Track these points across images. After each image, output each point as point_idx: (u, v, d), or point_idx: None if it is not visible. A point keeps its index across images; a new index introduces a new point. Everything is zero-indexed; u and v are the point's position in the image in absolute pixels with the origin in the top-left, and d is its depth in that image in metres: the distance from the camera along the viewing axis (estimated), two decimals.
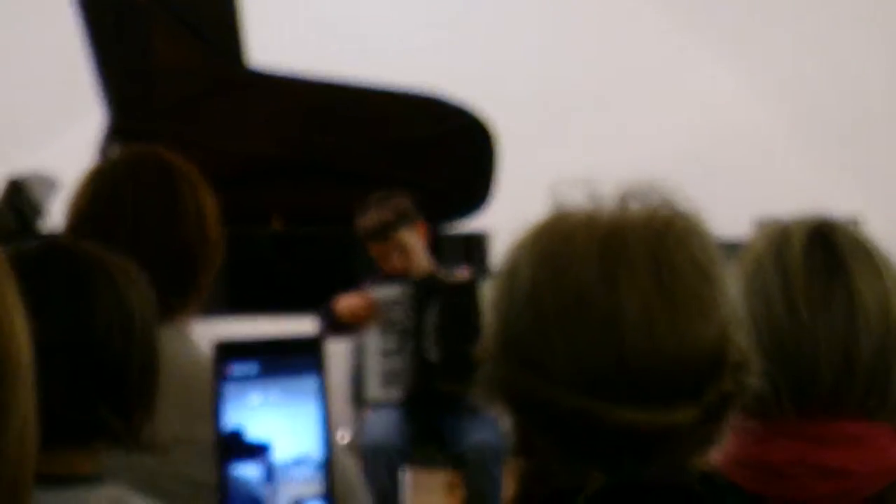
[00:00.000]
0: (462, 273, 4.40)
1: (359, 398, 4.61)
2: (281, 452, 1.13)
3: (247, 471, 1.12)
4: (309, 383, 1.15)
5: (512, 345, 1.13)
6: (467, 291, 4.15)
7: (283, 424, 1.14)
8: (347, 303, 4.33)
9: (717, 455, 1.34)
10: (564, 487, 1.09)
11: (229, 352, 1.15)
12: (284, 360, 1.15)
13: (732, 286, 1.14)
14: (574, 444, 1.09)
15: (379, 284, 4.39)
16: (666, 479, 1.09)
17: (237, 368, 1.14)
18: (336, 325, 4.37)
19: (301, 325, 4.81)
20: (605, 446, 1.08)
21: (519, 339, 1.12)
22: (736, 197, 5.34)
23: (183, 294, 1.77)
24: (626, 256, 1.10)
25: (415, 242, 4.34)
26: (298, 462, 1.14)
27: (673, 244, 1.11)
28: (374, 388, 4.36)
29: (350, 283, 4.44)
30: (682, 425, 1.07)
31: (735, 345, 1.12)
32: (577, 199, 1.17)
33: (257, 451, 1.13)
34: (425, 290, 4.31)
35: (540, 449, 1.13)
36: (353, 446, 4.34)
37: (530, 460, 1.15)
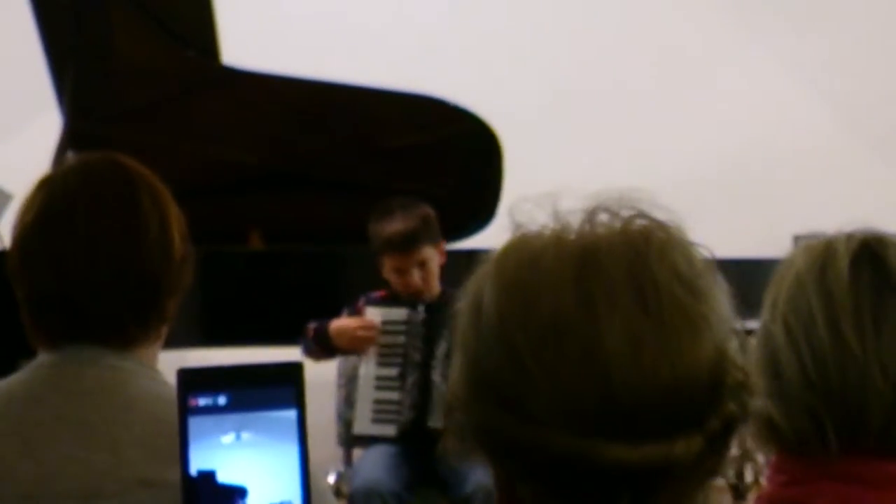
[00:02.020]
0: None
1: (347, 433, 4.59)
2: (256, 499, 1.13)
3: None
4: (287, 418, 1.15)
5: (484, 386, 1.11)
6: None
7: (258, 466, 1.13)
8: (348, 326, 4.31)
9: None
10: None
11: (195, 381, 1.14)
12: (259, 391, 1.14)
13: (723, 298, 1.13)
14: (566, 492, 1.08)
15: (379, 304, 4.37)
16: None
17: (204, 400, 1.13)
18: (328, 349, 4.36)
19: (283, 358, 4.79)
20: (600, 491, 1.07)
21: (492, 379, 1.11)
22: (778, 210, 5.36)
23: (144, 322, 1.76)
24: (602, 277, 1.09)
25: (436, 262, 4.33)
26: None
27: (654, 259, 1.10)
28: (365, 423, 4.34)
29: (338, 309, 4.42)
30: (684, 459, 1.06)
31: (733, 363, 1.11)
32: (539, 218, 1.16)
33: (230, 497, 1.12)
34: (438, 315, 4.29)
35: (528, 501, 1.12)
36: (341, 489, 4.32)
37: None
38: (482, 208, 5.14)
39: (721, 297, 1.13)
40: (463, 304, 1.17)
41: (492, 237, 4.90)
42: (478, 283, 1.16)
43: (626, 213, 1.14)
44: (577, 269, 1.10)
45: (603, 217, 1.14)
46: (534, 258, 1.12)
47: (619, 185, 1.17)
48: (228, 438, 1.13)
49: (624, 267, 1.10)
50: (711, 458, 1.09)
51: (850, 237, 1.54)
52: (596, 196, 1.16)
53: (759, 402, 1.13)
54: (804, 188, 6.04)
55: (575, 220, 1.14)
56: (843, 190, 5.85)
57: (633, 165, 5.71)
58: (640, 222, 1.14)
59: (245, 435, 1.13)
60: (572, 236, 1.13)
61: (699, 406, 1.08)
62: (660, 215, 1.14)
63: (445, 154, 5.16)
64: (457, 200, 5.11)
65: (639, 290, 1.09)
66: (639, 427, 1.06)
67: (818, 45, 6.40)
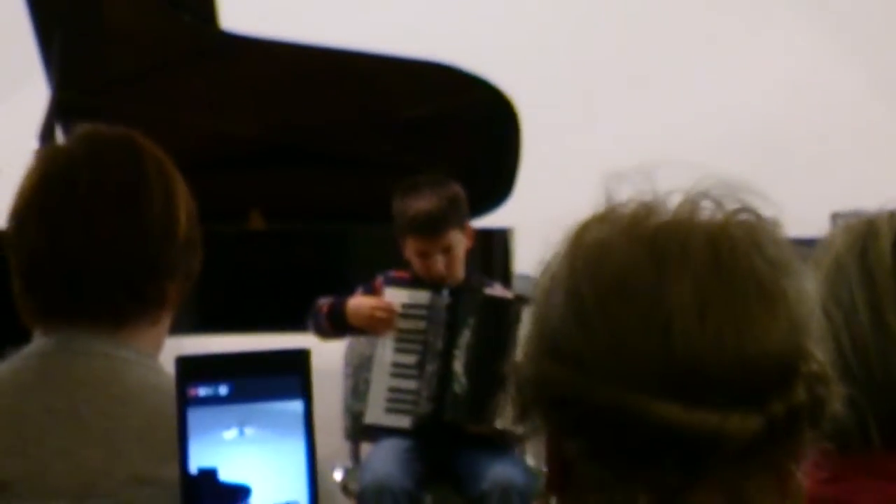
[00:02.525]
0: (498, 289, 4.37)
1: (354, 427, 4.58)
2: (259, 497, 1.12)
3: None
4: (293, 410, 1.14)
5: (547, 340, 1.14)
6: (514, 313, 4.09)
7: (262, 463, 1.13)
8: (368, 304, 4.29)
9: None
10: None
11: (195, 369, 1.14)
12: (263, 380, 1.14)
13: (809, 285, 1.14)
14: (610, 449, 1.10)
15: (400, 285, 4.35)
16: None
17: (204, 390, 1.12)
18: (341, 327, 4.35)
19: (284, 345, 4.79)
20: (645, 452, 1.08)
21: (554, 333, 1.13)
22: (815, 187, 5.35)
23: (138, 300, 1.77)
24: (679, 236, 1.12)
25: (462, 247, 4.30)
26: None
27: (738, 232, 1.13)
28: (378, 412, 4.32)
29: (346, 292, 4.40)
30: (737, 435, 1.07)
31: (812, 352, 1.12)
32: (631, 194, 1.17)
33: (233, 497, 1.12)
34: (463, 302, 4.28)
35: (575, 468, 1.13)
36: (349, 486, 4.32)
37: (566, 494, 1.15)
38: (498, 184, 5.13)
39: (808, 283, 1.14)
40: (541, 278, 1.19)
41: (508, 216, 4.92)
42: (556, 248, 1.18)
43: (730, 204, 1.15)
44: (655, 230, 1.13)
45: (704, 203, 1.16)
46: (614, 229, 1.15)
47: (642, 160, 1.18)
48: (231, 434, 1.12)
49: (704, 240, 1.12)
50: (770, 446, 1.09)
51: (892, 216, 1.54)
52: (703, 180, 1.17)
53: (837, 405, 1.13)
54: (842, 164, 6.02)
55: (664, 205, 1.16)
56: (883, 166, 5.83)
57: (661, 141, 5.70)
58: (743, 216, 1.15)
59: (248, 430, 1.13)
60: (662, 215, 1.15)
61: (763, 385, 1.09)
62: (752, 204, 1.15)
63: (459, 126, 5.15)
64: (471, 175, 5.09)
65: (716, 255, 1.11)
66: (693, 391, 1.07)
67: (859, 14, 6.37)
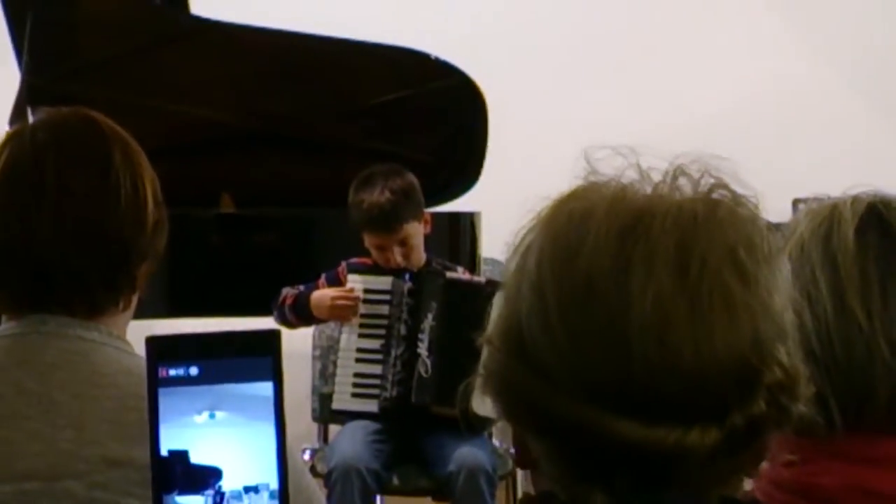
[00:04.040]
0: (461, 273, 4.36)
1: (322, 409, 4.58)
2: (230, 480, 1.12)
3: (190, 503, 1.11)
4: (263, 392, 1.13)
5: (513, 336, 1.13)
6: (480, 296, 4.08)
7: (233, 446, 1.12)
8: (330, 295, 4.28)
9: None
10: None
11: (166, 349, 1.13)
12: (234, 361, 1.13)
13: (781, 293, 1.13)
14: (571, 457, 1.10)
15: (363, 272, 4.35)
16: None
17: (175, 370, 1.11)
18: (306, 318, 4.35)
19: (254, 328, 4.77)
20: (606, 467, 1.08)
21: (519, 330, 1.12)
22: (776, 173, 5.36)
23: (112, 286, 1.75)
24: (647, 244, 1.09)
25: (420, 237, 4.31)
26: (251, 490, 1.12)
27: (711, 235, 1.10)
28: (345, 398, 4.33)
29: (315, 277, 4.40)
30: (698, 450, 1.06)
31: (777, 361, 1.10)
32: (614, 169, 1.16)
33: (204, 479, 1.11)
34: (425, 286, 4.28)
35: (547, 467, 1.13)
36: (317, 467, 4.31)
37: (537, 481, 1.15)
38: (466, 169, 5.13)
39: (780, 290, 1.13)
40: (516, 243, 1.17)
41: (475, 199, 4.91)
42: (528, 234, 1.17)
43: (706, 180, 1.14)
44: (624, 233, 1.10)
45: (682, 181, 1.14)
46: (586, 212, 1.13)
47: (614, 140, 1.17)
48: (202, 417, 1.12)
49: (675, 238, 1.09)
50: (732, 457, 1.08)
51: (855, 200, 1.54)
52: (680, 156, 1.15)
53: (803, 408, 1.12)
54: (804, 151, 6.03)
55: (643, 183, 1.15)
56: (844, 153, 5.84)
57: (626, 128, 5.69)
58: (720, 192, 1.14)
59: (219, 414, 1.12)
60: (637, 196, 1.13)
61: (722, 399, 1.08)
62: (743, 190, 1.14)
63: (427, 112, 5.14)
64: (439, 161, 5.09)
65: (682, 266, 1.08)
66: (653, 408, 1.06)
67: (822, 6, 6.37)
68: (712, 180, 1.15)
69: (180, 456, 1.11)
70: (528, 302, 1.12)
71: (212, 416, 1.12)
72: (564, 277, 1.10)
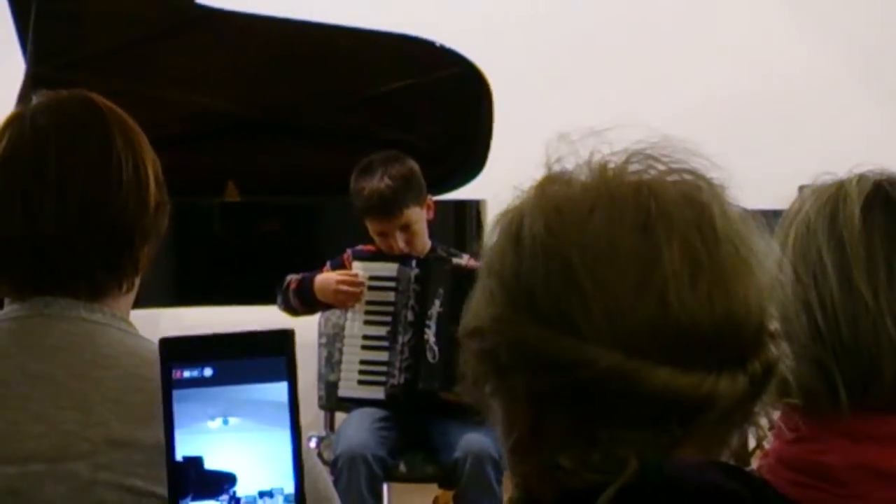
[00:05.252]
0: (467, 260, 4.36)
1: (328, 396, 4.58)
2: (245, 485, 1.11)
3: None
4: (277, 394, 1.12)
5: (526, 303, 1.13)
6: None
7: (247, 450, 1.12)
8: (334, 278, 4.28)
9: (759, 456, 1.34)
10: (577, 487, 1.09)
11: (179, 351, 1.12)
12: (248, 362, 1.12)
13: (768, 254, 1.16)
14: (601, 413, 1.09)
15: (368, 259, 4.35)
16: (704, 479, 1.09)
17: (189, 372, 1.11)
18: (310, 303, 4.35)
19: (260, 317, 4.78)
20: (638, 415, 1.08)
21: (537, 296, 1.12)
22: (783, 160, 5.35)
23: (115, 269, 1.75)
24: (660, 204, 1.12)
25: (423, 223, 4.30)
26: (265, 495, 1.12)
27: (708, 202, 1.13)
28: (351, 385, 4.33)
29: (320, 265, 4.40)
30: (728, 395, 1.08)
31: (773, 314, 1.14)
32: (575, 157, 1.18)
33: (219, 485, 1.11)
34: (434, 271, 4.27)
35: (553, 434, 1.12)
36: (323, 455, 4.31)
37: (536, 456, 1.15)
38: (472, 157, 5.13)
39: (766, 252, 1.16)
40: (495, 234, 1.18)
41: (482, 187, 4.91)
42: (513, 214, 1.17)
43: (671, 163, 1.16)
44: (633, 198, 1.13)
45: (646, 164, 1.16)
46: (584, 187, 1.15)
47: (639, 130, 1.18)
48: (215, 424, 1.11)
49: (682, 202, 1.13)
50: (749, 402, 1.12)
51: (861, 179, 1.54)
52: (637, 142, 1.18)
53: (788, 360, 1.15)
54: (810, 139, 6.02)
55: (615, 164, 1.16)
56: (850, 141, 5.83)
57: (633, 117, 5.67)
58: (686, 177, 1.16)
59: (233, 419, 1.12)
60: (613, 175, 1.15)
61: (744, 346, 1.11)
62: (701, 167, 1.16)
63: (433, 100, 5.14)
64: (444, 149, 5.09)
65: (697, 224, 1.12)
66: (688, 354, 1.08)
67: None
68: (677, 164, 1.17)
69: (194, 462, 1.11)
70: (545, 267, 1.12)
71: (225, 422, 1.12)
72: (584, 239, 1.11)
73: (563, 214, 1.13)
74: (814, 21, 6.40)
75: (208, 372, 1.12)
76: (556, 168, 1.18)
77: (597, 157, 1.17)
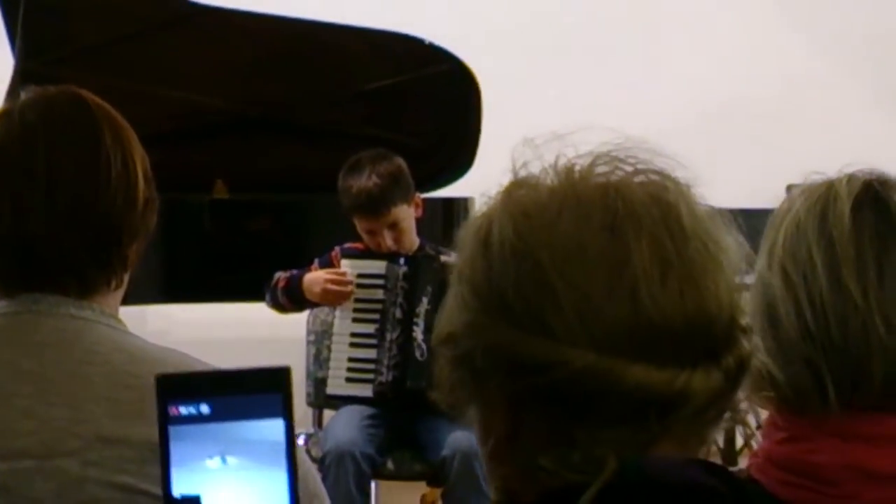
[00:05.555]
0: (452, 258, 4.35)
1: (316, 393, 4.58)
2: None
3: None
4: (274, 432, 1.13)
5: (498, 306, 1.13)
6: None
7: (244, 489, 1.12)
8: (322, 276, 4.28)
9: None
10: (559, 487, 1.10)
11: (175, 388, 1.12)
12: (244, 399, 1.12)
13: (735, 249, 1.17)
14: (577, 413, 1.10)
15: (356, 256, 4.35)
16: (684, 476, 1.10)
17: (185, 409, 1.11)
18: (298, 301, 4.35)
19: (247, 314, 4.78)
20: (616, 416, 1.09)
21: (508, 298, 1.13)
22: (771, 159, 5.36)
23: (105, 266, 1.74)
24: (626, 204, 1.13)
25: (411, 221, 4.30)
26: None
27: (675, 200, 1.15)
28: (339, 382, 4.34)
29: (308, 262, 4.39)
30: (702, 391, 1.09)
31: (743, 309, 1.16)
32: (542, 161, 1.19)
33: None
34: (422, 268, 4.28)
35: (531, 436, 1.12)
36: (311, 452, 4.31)
37: (515, 459, 1.15)
38: (460, 155, 5.14)
39: (733, 247, 1.18)
40: (465, 241, 1.20)
41: (470, 185, 4.91)
42: (481, 220, 1.18)
43: (636, 164, 1.17)
44: (600, 199, 1.14)
45: (612, 166, 1.17)
46: (551, 191, 1.16)
47: (598, 130, 1.19)
48: (214, 463, 1.11)
49: (648, 202, 1.14)
50: (724, 397, 1.12)
51: (851, 178, 1.54)
52: (601, 144, 1.18)
53: (760, 355, 1.17)
54: (798, 138, 6.04)
55: (581, 166, 1.17)
56: (838, 140, 5.85)
57: (619, 116, 5.68)
58: (652, 177, 1.17)
59: (231, 459, 1.12)
60: (590, 181, 1.16)
61: (717, 341, 1.12)
62: (667, 166, 1.18)
63: (421, 97, 5.15)
64: (433, 146, 5.10)
65: (665, 222, 1.13)
66: (662, 350, 1.09)
67: None
68: (641, 164, 1.18)
69: (193, 501, 1.11)
70: (515, 270, 1.13)
71: (224, 461, 1.12)
72: (553, 238, 1.12)
73: (531, 218, 1.14)
74: (804, 20, 6.41)
75: (205, 409, 1.12)
76: (522, 173, 1.19)
77: (562, 161, 1.18)
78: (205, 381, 1.14)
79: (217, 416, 1.12)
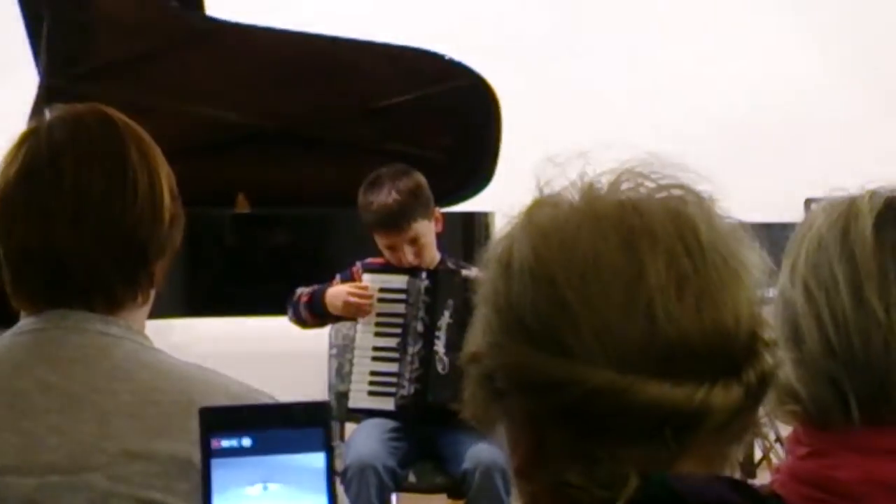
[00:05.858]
0: (472, 272, 4.36)
1: (339, 406, 4.59)
2: None
3: None
4: (315, 462, 1.14)
5: (518, 326, 1.14)
6: None
7: None
8: (345, 290, 4.28)
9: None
10: (586, 502, 1.10)
11: (218, 421, 1.13)
12: (285, 433, 1.14)
13: (756, 263, 1.17)
14: (597, 431, 1.10)
15: (378, 271, 4.35)
16: (708, 493, 1.10)
17: (227, 442, 1.12)
18: (320, 315, 4.35)
19: (270, 328, 4.78)
20: (635, 431, 1.09)
21: (527, 318, 1.13)
22: (789, 172, 5.35)
23: (131, 283, 1.76)
24: (644, 221, 1.13)
25: (431, 236, 4.30)
26: None
27: (693, 215, 1.15)
28: (361, 396, 4.34)
29: (330, 277, 4.40)
30: (722, 406, 1.08)
31: (767, 323, 1.15)
32: (565, 180, 1.19)
33: None
34: (443, 282, 4.28)
35: (556, 453, 1.13)
36: (333, 465, 4.31)
37: (542, 475, 1.15)
38: (479, 169, 5.14)
39: (755, 261, 1.17)
40: (489, 263, 1.20)
41: (489, 199, 4.92)
42: (504, 241, 1.19)
43: (659, 179, 1.17)
44: (617, 216, 1.14)
45: (634, 182, 1.17)
46: (571, 209, 1.16)
47: (623, 147, 1.19)
48: (255, 490, 1.12)
49: (665, 218, 1.13)
50: (746, 412, 1.12)
51: (873, 195, 1.54)
52: (626, 161, 1.19)
53: (786, 369, 1.16)
54: (816, 151, 6.03)
55: (604, 183, 1.18)
56: (856, 153, 5.84)
57: (637, 132, 5.69)
58: (675, 192, 1.17)
59: (272, 486, 1.13)
60: (608, 198, 1.16)
61: (737, 356, 1.11)
62: (690, 181, 1.17)
63: (441, 112, 5.15)
64: (453, 161, 5.10)
65: (680, 231, 1.12)
66: (679, 366, 1.09)
67: (831, 3, 6.37)
68: (666, 179, 1.18)
69: None
70: (533, 290, 1.13)
71: (265, 488, 1.13)
72: (570, 258, 1.12)
73: (549, 238, 1.14)
74: (821, 33, 6.40)
75: (247, 442, 1.13)
76: (546, 191, 1.19)
77: (586, 179, 1.18)
78: (247, 415, 1.16)
79: (259, 450, 1.13)
